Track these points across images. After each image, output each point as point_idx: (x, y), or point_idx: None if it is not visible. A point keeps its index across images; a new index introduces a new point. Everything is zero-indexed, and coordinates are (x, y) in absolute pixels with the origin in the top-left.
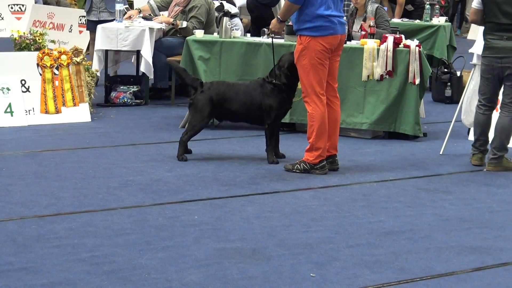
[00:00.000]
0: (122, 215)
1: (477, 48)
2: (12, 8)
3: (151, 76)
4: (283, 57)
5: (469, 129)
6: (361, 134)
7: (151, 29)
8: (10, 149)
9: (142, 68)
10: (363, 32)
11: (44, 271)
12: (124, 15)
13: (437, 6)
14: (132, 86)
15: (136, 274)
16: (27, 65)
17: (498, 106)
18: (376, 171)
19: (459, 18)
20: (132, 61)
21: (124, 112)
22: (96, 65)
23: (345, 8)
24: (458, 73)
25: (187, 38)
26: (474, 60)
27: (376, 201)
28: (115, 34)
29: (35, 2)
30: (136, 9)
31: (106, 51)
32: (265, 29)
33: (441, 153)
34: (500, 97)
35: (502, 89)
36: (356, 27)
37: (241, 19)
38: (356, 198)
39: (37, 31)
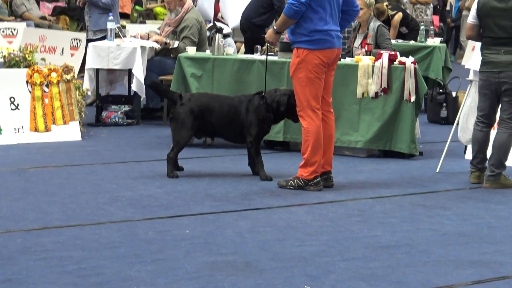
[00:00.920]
0: (111, 229)
1: (474, 64)
2: (3, 32)
3: (143, 95)
4: (286, 90)
5: (465, 148)
6: (356, 153)
7: (143, 48)
8: None
9: (134, 87)
10: (363, 49)
11: (29, 283)
12: (115, 34)
13: (432, 27)
14: (123, 106)
15: (124, 286)
16: (17, 82)
17: (496, 124)
18: (371, 188)
19: (453, 45)
20: (124, 81)
21: (115, 131)
22: (87, 84)
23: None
24: (454, 94)
25: (179, 55)
26: (471, 76)
27: (372, 217)
28: (106, 53)
29: (27, 26)
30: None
31: (97, 70)
32: (258, 46)
33: (437, 171)
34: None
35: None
36: (357, 42)
37: (235, 42)
38: (351, 213)
39: (27, 48)
